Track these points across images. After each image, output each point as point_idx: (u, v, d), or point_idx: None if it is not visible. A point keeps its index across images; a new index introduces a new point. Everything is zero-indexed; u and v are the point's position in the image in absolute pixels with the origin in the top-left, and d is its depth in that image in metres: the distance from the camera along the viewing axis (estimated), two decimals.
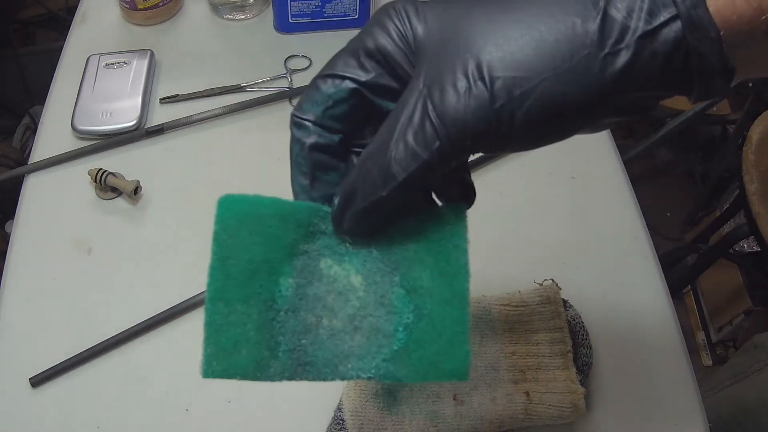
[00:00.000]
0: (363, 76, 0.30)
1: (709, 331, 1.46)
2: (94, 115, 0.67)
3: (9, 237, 0.60)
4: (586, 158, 0.67)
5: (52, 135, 0.67)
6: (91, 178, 0.61)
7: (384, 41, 0.29)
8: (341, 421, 0.47)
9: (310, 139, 0.31)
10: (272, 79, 0.73)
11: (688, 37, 0.24)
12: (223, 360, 0.29)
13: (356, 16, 0.77)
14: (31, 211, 0.62)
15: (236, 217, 0.30)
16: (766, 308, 1.33)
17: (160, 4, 0.76)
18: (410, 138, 0.27)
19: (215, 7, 0.79)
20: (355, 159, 0.32)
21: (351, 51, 0.30)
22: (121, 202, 0.62)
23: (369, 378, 0.31)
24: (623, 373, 0.53)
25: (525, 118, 0.26)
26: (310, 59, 0.75)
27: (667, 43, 0.25)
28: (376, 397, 0.47)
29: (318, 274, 0.32)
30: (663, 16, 0.25)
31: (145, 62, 0.71)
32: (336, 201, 0.31)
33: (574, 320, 0.51)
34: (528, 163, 0.66)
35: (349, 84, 0.30)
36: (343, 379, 0.31)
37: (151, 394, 0.51)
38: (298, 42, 0.77)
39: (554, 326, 0.50)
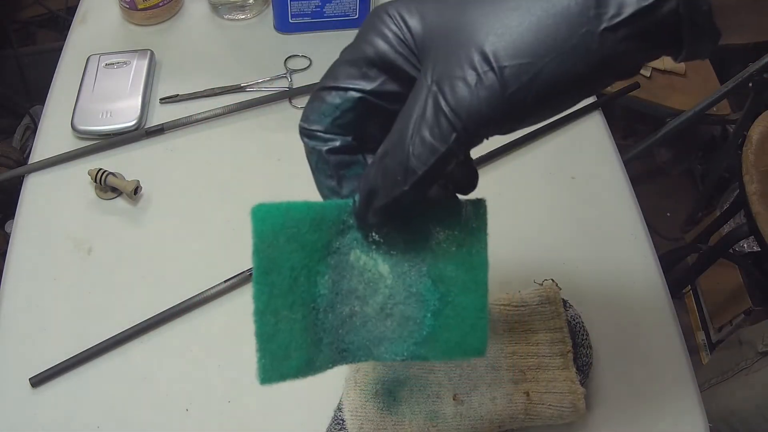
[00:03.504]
0: (368, 86, 0.31)
1: (709, 331, 1.46)
2: (94, 115, 0.67)
3: (9, 237, 0.60)
4: (586, 158, 0.67)
5: (52, 135, 0.67)
6: (91, 178, 0.61)
7: (384, 48, 0.30)
8: (341, 421, 0.47)
9: (326, 146, 0.32)
10: (272, 79, 0.73)
11: (682, 8, 0.26)
12: (278, 366, 0.31)
13: (356, 16, 0.77)
14: (31, 211, 0.62)
15: (272, 229, 0.31)
16: (766, 308, 1.33)
17: (160, 4, 0.76)
18: (426, 133, 0.28)
19: (215, 7, 0.79)
20: (369, 159, 0.33)
21: (351, 61, 0.31)
22: (121, 202, 0.62)
23: (402, 359, 0.34)
24: (623, 373, 0.53)
25: (536, 99, 0.27)
26: (310, 59, 0.75)
27: (661, 14, 0.26)
28: (376, 397, 0.47)
29: (349, 267, 0.33)
30: None
31: (145, 62, 0.71)
32: (357, 198, 0.32)
33: (574, 320, 0.51)
34: (528, 163, 0.66)
35: (354, 94, 0.31)
36: (377, 360, 0.34)
37: (151, 394, 0.51)
38: (298, 42, 0.77)
39: (554, 326, 0.50)
